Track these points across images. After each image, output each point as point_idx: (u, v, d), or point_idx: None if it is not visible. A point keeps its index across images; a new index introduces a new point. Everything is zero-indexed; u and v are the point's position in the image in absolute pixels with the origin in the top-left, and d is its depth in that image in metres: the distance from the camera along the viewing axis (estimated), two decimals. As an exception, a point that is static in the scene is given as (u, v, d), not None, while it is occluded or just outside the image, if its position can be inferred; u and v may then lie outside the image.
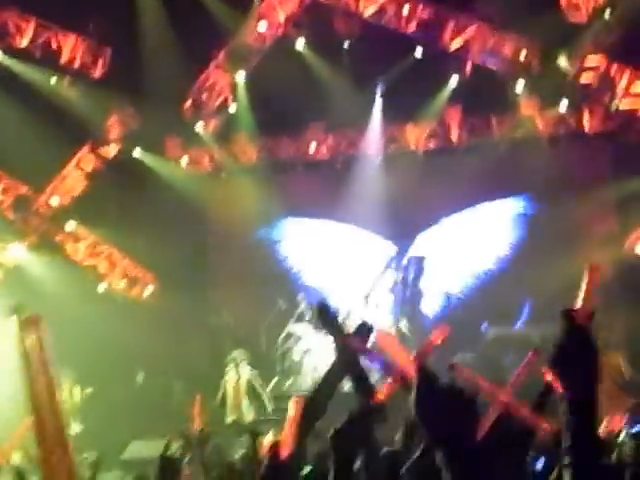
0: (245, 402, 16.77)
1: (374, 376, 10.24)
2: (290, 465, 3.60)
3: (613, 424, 7.95)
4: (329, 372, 3.87)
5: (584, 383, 2.46)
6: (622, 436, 9.19)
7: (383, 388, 3.65)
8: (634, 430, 7.50)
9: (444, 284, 21.41)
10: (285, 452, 3.62)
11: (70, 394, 18.56)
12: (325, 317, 3.97)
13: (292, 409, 3.70)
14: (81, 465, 15.61)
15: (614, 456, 6.96)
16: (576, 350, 2.50)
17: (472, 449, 2.40)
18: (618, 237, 20.33)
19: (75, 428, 18.02)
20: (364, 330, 3.84)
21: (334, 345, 3.87)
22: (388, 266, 20.49)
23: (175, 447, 11.99)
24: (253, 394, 17.30)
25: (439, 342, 4.05)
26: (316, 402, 3.65)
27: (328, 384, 3.76)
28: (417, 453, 4.44)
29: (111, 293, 21.96)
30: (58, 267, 21.20)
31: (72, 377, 18.79)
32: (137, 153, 22.03)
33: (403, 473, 4.41)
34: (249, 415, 16.83)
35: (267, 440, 10.73)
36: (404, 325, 19.12)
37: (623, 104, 20.18)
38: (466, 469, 2.38)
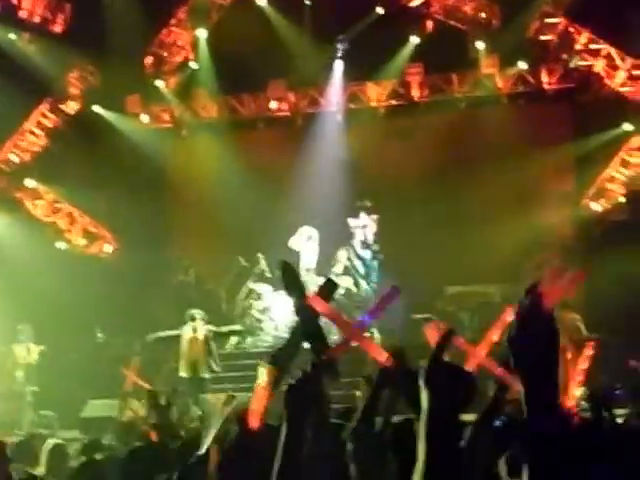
0: (201, 359, 16.69)
1: (332, 337, 10.25)
2: (262, 435, 3.60)
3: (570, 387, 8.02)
4: (292, 333, 3.91)
5: (545, 378, 2.35)
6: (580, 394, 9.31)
7: (333, 349, 3.67)
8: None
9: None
10: (255, 422, 3.62)
11: (28, 352, 18.47)
12: (288, 276, 4.01)
13: (263, 377, 3.66)
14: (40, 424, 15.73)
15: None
16: (540, 337, 2.34)
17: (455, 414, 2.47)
18: (575, 195, 20.46)
19: (33, 386, 18.01)
20: (328, 288, 3.87)
21: (295, 305, 3.90)
22: (348, 226, 20.36)
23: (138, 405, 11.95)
24: (213, 346, 17.21)
25: (387, 306, 4.08)
26: (279, 363, 3.68)
27: (291, 344, 3.80)
28: (358, 416, 4.49)
29: (70, 251, 21.86)
30: (17, 224, 21.09)
31: (30, 335, 18.69)
32: (97, 109, 21.89)
33: (346, 438, 4.47)
34: (204, 372, 16.75)
35: (218, 398, 10.62)
36: (365, 286, 19.11)
37: (581, 62, 20.27)
38: (448, 430, 2.44)
